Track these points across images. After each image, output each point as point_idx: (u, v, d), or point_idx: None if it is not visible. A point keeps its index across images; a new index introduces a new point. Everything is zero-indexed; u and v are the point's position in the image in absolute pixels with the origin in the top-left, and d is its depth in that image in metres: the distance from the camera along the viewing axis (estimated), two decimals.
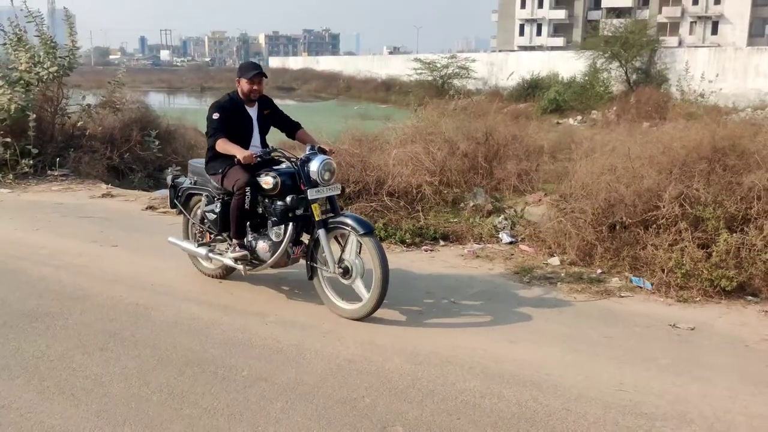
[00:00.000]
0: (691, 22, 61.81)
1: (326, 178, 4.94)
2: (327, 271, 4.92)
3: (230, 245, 5.36)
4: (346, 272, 4.83)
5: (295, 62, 79.39)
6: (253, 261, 5.24)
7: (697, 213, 5.91)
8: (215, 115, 5.14)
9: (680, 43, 57.66)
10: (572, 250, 6.24)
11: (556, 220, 6.65)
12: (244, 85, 5.24)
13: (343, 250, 4.90)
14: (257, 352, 4.28)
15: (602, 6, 64.96)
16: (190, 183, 5.75)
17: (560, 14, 67.46)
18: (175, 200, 5.87)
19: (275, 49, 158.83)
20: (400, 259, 6.42)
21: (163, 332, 4.60)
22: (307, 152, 5.02)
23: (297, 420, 3.43)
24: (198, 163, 5.73)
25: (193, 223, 5.83)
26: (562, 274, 5.99)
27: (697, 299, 5.37)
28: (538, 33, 68.63)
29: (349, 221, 4.79)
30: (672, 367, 4.20)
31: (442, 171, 7.90)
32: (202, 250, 5.53)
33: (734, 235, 5.63)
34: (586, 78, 34.52)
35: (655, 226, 6.04)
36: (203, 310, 5.06)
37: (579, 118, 29.37)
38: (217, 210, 5.33)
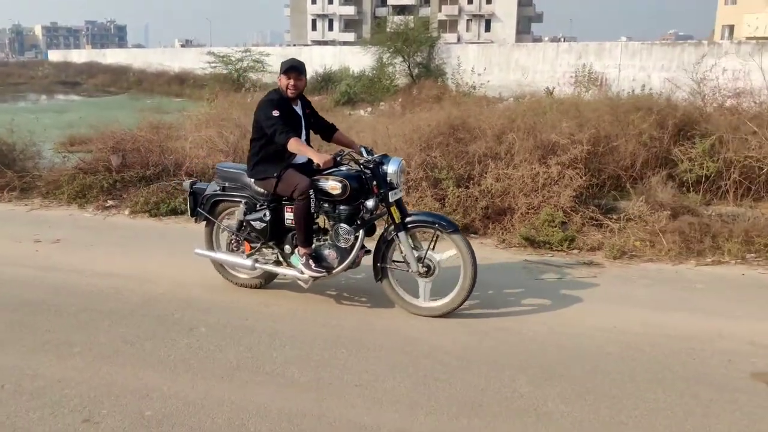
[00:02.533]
0: (468, 20, 67.48)
1: (402, 180, 4.92)
2: (407, 271, 4.89)
3: (279, 254, 5.15)
4: (428, 271, 4.83)
5: (79, 55, 74.89)
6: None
7: (435, 175, 7.60)
8: (275, 113, 4.76)
9: (459, 39, 62.81)
10: None
11: None
12: (282, 81, 4.93)
13: (426, 249, 4.87)
14: (83, 296, 5.20)
15: (388, 3, 68.85)
16: (217, 189, 5.37)
17: (350, 10, 70.37)
18: (198, 209, 5.45)
19: (55, 41, 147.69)
20: (199, 227, 7.46)
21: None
22: (365, 155, 4.87)
23: (121, 331, 4.48)
24: (231, 167, 5.44)
25: (226, 232, 5.46)
26: None
27: None
28: (330, 28, 71.06)
29: (433, 220, 4.83)
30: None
31: (235, 152, 8.99)
32: (250, 262, 5.13)
33: (460, 189, 7.37)
34: (374, 72, 36.86)
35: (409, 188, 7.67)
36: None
37: (369, 109, 31.55)
38: (267, 218, 5.02)
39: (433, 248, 4.82)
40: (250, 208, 5.15)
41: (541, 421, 3.46)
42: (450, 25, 67.10)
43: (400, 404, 3.60)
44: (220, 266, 5.55)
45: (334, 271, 4.89)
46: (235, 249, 5.38)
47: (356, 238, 4.82)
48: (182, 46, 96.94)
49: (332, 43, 63.55)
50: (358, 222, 4.83)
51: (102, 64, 63.56)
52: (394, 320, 4.83)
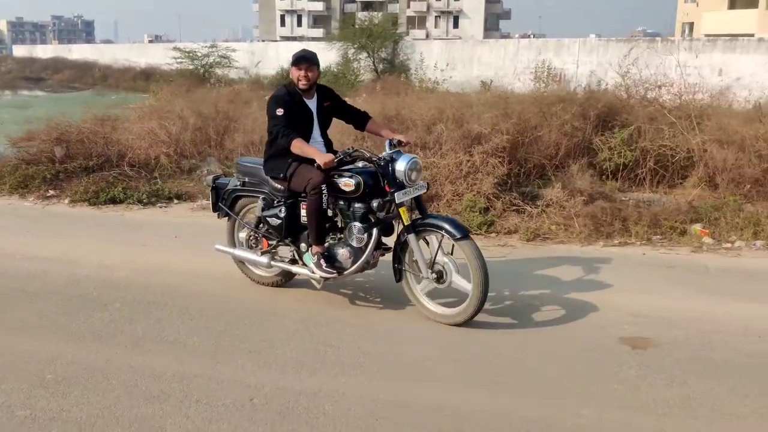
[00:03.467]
0: (436, 17, 67.92)
1: (413, 178, 4.57)
2: (420, 277, 4.66)
3: (296, 252, 4.97)
4: (440, 276, 4.55)
5: (44, 51, 73.96)
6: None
7: None
8: (278, 111, 4.61)
9: (427, 36, 63.28)
10: None
11: None
12: (293, 73, 4.74)
13: (434, 252, 4.58)
14: (10, 278, 5.45)
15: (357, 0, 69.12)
16: (238, 184, 5.23)
17: (319, 6, 70.44)
18: (219, 203, 5.34)
19: (20, 36, 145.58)
20: (136, 214, 7.71)
21: None
22: (389, 150, 4.58)
23: (39, 307, 4.75)
24: (250, 162, 5.30)
25: (245, 228, 5.30)
26: None
27: None
28: (299, 24, 71.06)
29: (442, 224, 4.50)
30: None
31: (177, 143, 9.22)
32: (265, 259, 5.05)
33: None
34: (340, 67, 37.09)
35: None
36: None
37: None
38: (282, 214, 4.84)
39: (442, 252, 4.53)
40: (268, 204, 4.98)
41: (419, 381, 3.79)
42: (418, 21, 67.54)
43: (287, 366, 3.90)
44: (240, 263, 5.42)
45: (346, 272, 4.66)
46: (254, 246, 5.23)
47: (370, 236, 4.58)
48: (150, 41, 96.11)
49: (301, 39, 63.57)
50: (373, 221, 4.61)
51: (68, 59, 62.86)
52: (298, 293, 5.16)
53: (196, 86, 23.45)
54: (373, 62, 36.82)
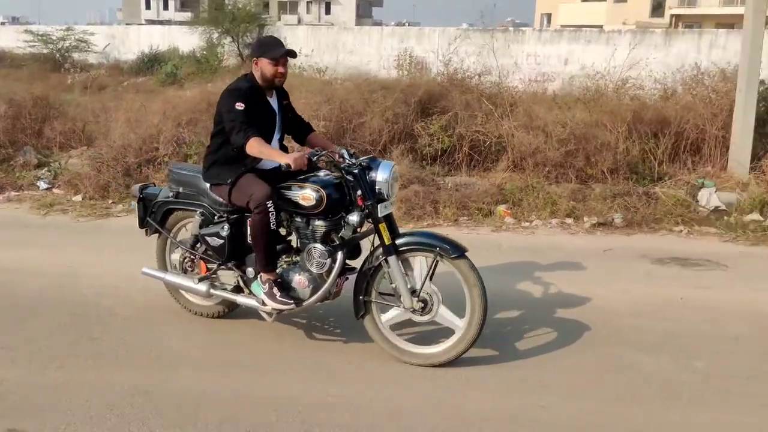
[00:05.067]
0: (308, 2, 67.49)
1: (395, 190, 3.99)
2: (393, 307, 3.96)
3: (240, 278, 4.22)
4: (425, 307, 3.85)
5: None
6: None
7: (184, 151, 7.77)
8: (239, 105, 3.83)
9: (299, 21, 62.74)
10: (91, 189, 7.68)
11: (82, 166, 8.03)
12: (266, 68, 3.95)
13: (419, 278, 3.87)
14: None
15: None
16: (170, 195, 4.43)
17: None
18: (147, 218, 4.50)
19: None
20: None
21: None
22: (348, 158, 3.95)
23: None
24: (185, 169, 4.52)
25: (179, 249, 4.49)
26: (78, 206, 7.39)
27: None
28: (165, 7, 68.45)
29: (432, 242, 3.83)
30: None
31: None
32: (203, 287, 4.24)
33: None
34: (204, 52, 36.07)
35: (156, 162, 7.79)
36: None
37: (196, 90, 30.98)
38: (224, 233, 4.07)
39: (431, 277, 3.83)
40: (207, 220, 4.21)
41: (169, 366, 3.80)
42: (290, 6, 66.83)
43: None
44: (173, 289, 4.59)
45: (305, 303, 3.95)
46: (189, 269, 4.43)
47: (334, 261, 3.87)
48: (2, 23, 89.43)
49: (168, 22, 61.28)
50: (337, 242, 3.91)
51: None
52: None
53: (52, 71, 22.18)
54: (238, 47, 36.12)
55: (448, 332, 3.92)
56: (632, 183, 7.73)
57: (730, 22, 32.47)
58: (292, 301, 3.93)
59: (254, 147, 3.79)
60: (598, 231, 6.85)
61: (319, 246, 3.87)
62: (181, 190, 4.37)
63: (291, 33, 36.94)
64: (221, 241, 4.08)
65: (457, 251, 3.75)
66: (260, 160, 3.94)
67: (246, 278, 4.17)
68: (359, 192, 3.80)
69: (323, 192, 3.81)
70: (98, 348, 4.06)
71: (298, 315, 4.44)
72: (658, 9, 41.77)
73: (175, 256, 4.55)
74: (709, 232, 6.83)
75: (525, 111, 8.45)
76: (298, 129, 4.40)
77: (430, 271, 3.81)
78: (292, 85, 9.44)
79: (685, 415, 3.40)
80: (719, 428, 3.31)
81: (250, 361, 3.96)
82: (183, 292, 4.53)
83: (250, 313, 4.32)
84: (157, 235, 4.56)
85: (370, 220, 3.87)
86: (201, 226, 4.21)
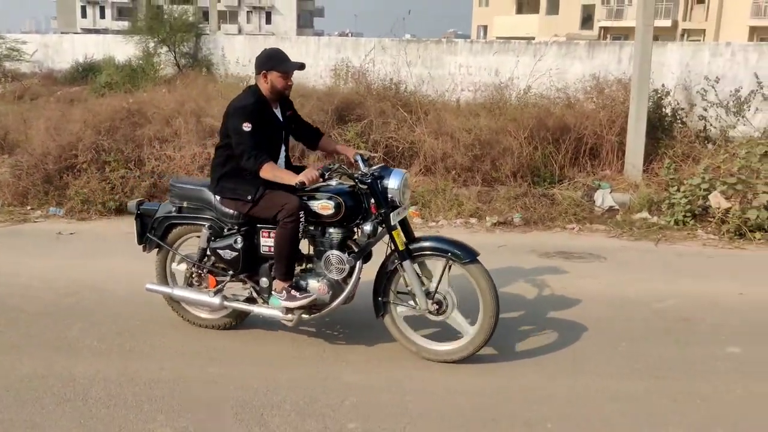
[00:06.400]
0: (248, 12, 67.40)
1: (406, 196, 4.13)
2: (411, 309, 4.12)
3: (253, 289, 4.28)
4: (440, 308, 4.03)
5: None
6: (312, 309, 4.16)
7: (104, 158, 7.94)
8: (246, 127, 3.87)
9: (240, 31, 62.53)
10: (10, 196, 7.79)
11: (2, 174, 8.12)
12: (277, 81, 4.03)
13: (434, 281, 4.04)
14: None
15: None
16: (173, 210, 4.41)
17: None
18: (147, 234, 4.45)
19: None
20: None
21: None
22: (363, 167, 4.10)
23: None
24: (188, 183, 4.50)
25: (184, 263, 4.47)
26: None
27: (94, 217, 7.42)
28: (102, 15, 67.40)
29: (445, 247, 4.00)
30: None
31: None
32: (217, 299, 4.27)
33: (125, 171, 7.78)
34: (141, 62, 35.73)
35: (75, 169, 7.94)
36: None
37: (131, 100, 30.69)
38: (239, 245, 4.10)
39: (441, 279, 4.00)
40: (216, 233, 4.22)
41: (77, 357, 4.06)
42: (230, 16, 66.60)
43: None
44: (174, 303, 4.57)
45: (326, 309, 4.08)
46: (197, 283, 4.43)
47: (353, 267, 3.99)
48: None
49: (104, 31, 60.31)
50: (354, 248, 4.05)
51: None
52: None
53: None
54: (175, 57, 35.95)
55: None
56: (533, 185, 8.26)
57: (654, 35, 33.99)
58: (311, 294, 4.03)
59: (267, 172, 3.89)
60: (497, 230, 7.33)
61: (337, 253, 3.98)
62: (184, 204, 4.35)
63: (229, 43, 36.98)
64: (235, 254, 4.12)
65: (469, 256, 3.90)
66: None
67: (260, 288, 4.23)
68: (372, 200, 3.95)
69: (341, 201, 3.92)
70: (1, 339, 4.30)
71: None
72: (587, 21, 43.31)
73: (176, 266, 4.52)
74: (599, 230, 7.38)
75: (435, 118, 8.91)
76: (309, 135, 4.50)
77: (442, 275, 3.98)
78: (210, 96, 9.74)
79: (522, 381, 3.84)
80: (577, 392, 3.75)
81: (148, 348, 4.25)
82: (187, 306, 4.53)
83: (152, 310, 4.60)
84: (156, 250, 4.51)
85: (383, 226, 3.99)
86: (210, 240, 4.22)
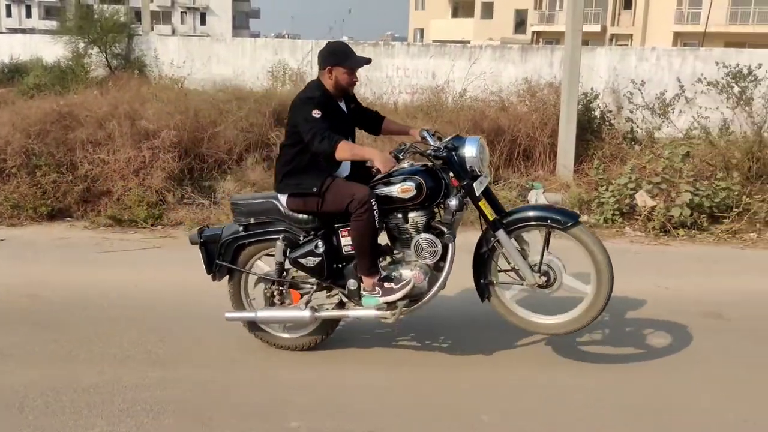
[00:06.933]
0: (182, 12, 66.24)
1: (485, 163, 3.94)
2: (518, 285, 3.95)
3: (342, 293, 4.06)
4: (548, 280, 3.84)
5: None
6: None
7: (35, 162, 7.72)
8: (315, 113, 3.73)
9: (173, 32, 61.39)
10: None
11: None
12: (342, 77, 3.90)
13: (534, 252, 3.90)
14: None
15: None
16: (240, 230, 4.12)
17: None
18: (217, 261, 4.15)
19: None
20: None
21: None
22: (433, 141, 3.99)
23: None
24: (252, 198, 4.30)
25: (261, 283, 4.24)
26: None
27: (25, 223, 7.22)
28: (28, 15, 65.07)
29: (544, 214, 3.82)
30: None
31: None
32: (307, 312, 3.99)
33: (57, 175, 7.59)
34: (70, 63, 34.72)
35: (5, 174, 7.70)
36: None
37: (62, 102, 29.81)
38: (320, 249, 3.89)
39: (548, 248, 3.82)
40: (292, 243, 3.99)
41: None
42: (164, 17, 65.30)
43: None
44: (257, 329, 4.27)
45: (426, 297, 3.86)
46: (278, 301, 4.16)
47: (445, 247, 3.80)
48: None
49: (31, 31, 58.30)
50: (444, 229, 3.81)
51: None
52: None
53: None
54: (106, 58, 35.07)
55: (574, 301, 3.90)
56: None
57: (584, 39, 35.05)
58: (409, 281, 3.83)
59: (345, 150, 3.72)
60: None
61: (426, 235, 3.79)
62: (251, 221, 4.09)
63: (162, 44, 36.25)
64: (318, 259, 3.89)
65: (570, 219, 3.74)
66: (339, 164, 3.88)
67: (348, 292, 4.00)
68: (451, 174, 3.79)
69: (422, 180, 3.75)
70: None
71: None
72: (521, 26, 44.30)
73: (255, 292, 4.29)
74: None
75: None
76: (370, 122, 4.33)
77: (545, 244, 3.79)
78: (145, 98, 9.58)
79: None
80: None
81: (85, 354, 4.20)
82: (267, 328, 4.25)
83: (89, 314, 4.54)
84: (228, 277, 4.22)
85: (468, 199, 3.82)
86: (287, 252, 3.99)
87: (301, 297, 4.10)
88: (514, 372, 4.06)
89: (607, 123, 9.90)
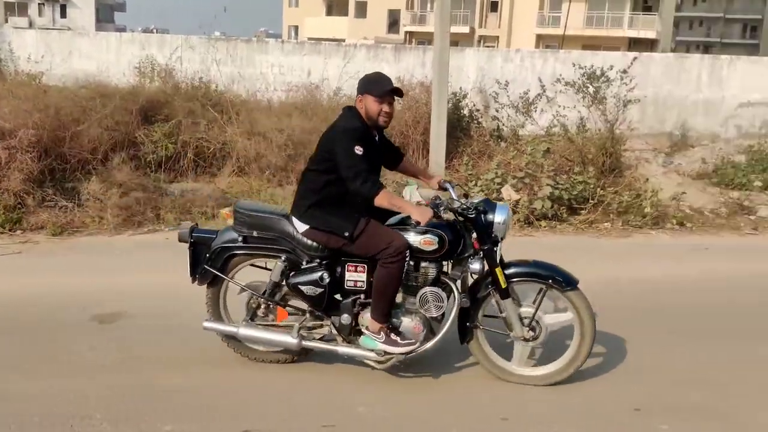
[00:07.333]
0: (40, 4, 62.23)
1: (507, 232, 3.90)
2: (506, 334, 3.95)
3: (333, 326, 3.90)
4: (535, 334, 3.89)
5: None
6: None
7: None
8: (358, 149, 3.59)
9: (31, 24, 57.57)
10: None
11: None
12: (371, 105, 3.76)
13: (525, 305, 3.92)
14: None
15: None
16: (238, 239, 3.87)
17: None
18: (205, 266, 3.92)
19: None
20: None
21: None
22: (456, 197, 3.93)
23: None
24: (261, 210, 3.97)
25: (245, 292, 4.02)
26: None
27: None
28: None
29: (545, 272, 3.87)
30: None
31: None
32: (295, 341, 3.83)
33: None
34: None
35: None
36: None
37: None
38: (325, 282, 3.75)
39: (538, 306, 3.88)
40: (293, 266, 3.86)
41: None
42: (19, 8, 61.06)
43: None
44: (230, 338, 4.04)
45: (421, 349, 3.81)
46: (262, 314, 4.03)
47: (449, 305, 3.82)
48: None
49: None
50: (450, 283, 3.85)
51: None
52: None
53: None
54: None
55: (556, 354, 3.99)
56: None
57: (454, 40, 36.20)
58: (415, 341, 3.80)
59: (384, 199, 3.66)
60: None
61: (434, 289, 3.79)
62: (255, 233, 3.88)
63: (18, 37, 33.88)
64: (320, 290, 3.78)
65: (571, 283, 3.81)
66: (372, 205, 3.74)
67: (340, 325, 3.89)
68: (474, 235, 3.79)
69: (444, 235, 3.72)
70: None
71: None
72: (394, 25, 45.06)
73: (252, 304, 4.08)
74: None
75: (247, 118, 8.92)
76: (390, 156, 4.23)
77: (540, 301, 3.86)
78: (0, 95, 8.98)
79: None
80: None
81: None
82: (243, 340, 4.03)
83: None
84: (207, 283, 4.03)
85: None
86: (287, 274, 3.86)
87: (288, 316, 4.04)
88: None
89: (476, 121, 10.32)
